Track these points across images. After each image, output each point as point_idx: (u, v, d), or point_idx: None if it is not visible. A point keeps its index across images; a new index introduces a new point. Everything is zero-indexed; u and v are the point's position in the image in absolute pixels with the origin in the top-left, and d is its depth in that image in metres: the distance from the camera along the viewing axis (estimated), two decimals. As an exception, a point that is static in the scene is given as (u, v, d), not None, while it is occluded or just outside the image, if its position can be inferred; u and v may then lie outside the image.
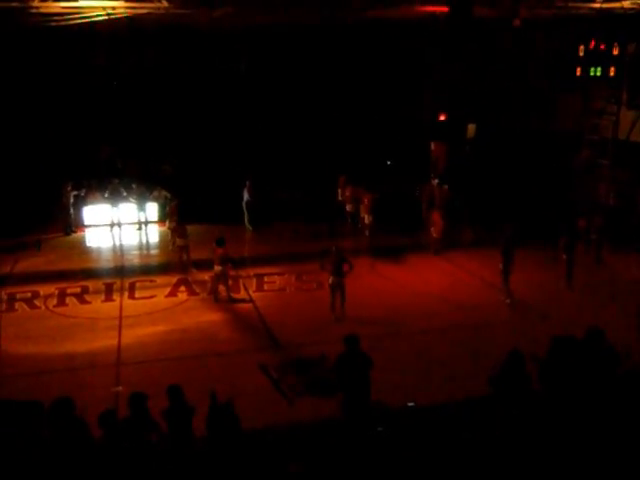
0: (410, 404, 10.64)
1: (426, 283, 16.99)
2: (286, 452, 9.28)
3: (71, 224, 21.61)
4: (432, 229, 19.12)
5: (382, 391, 10.85)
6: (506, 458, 8.73)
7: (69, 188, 21.57)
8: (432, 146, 23.99)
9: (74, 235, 21.47)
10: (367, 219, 20.12)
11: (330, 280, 14.52)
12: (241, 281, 16.95)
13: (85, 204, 22.12)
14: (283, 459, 8.95)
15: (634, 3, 17.41)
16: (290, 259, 18.63)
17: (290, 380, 11.73)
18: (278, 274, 17.75)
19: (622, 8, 17.88)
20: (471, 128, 25.12)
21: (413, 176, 22.85)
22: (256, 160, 23.34)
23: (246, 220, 21.56)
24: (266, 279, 17.42)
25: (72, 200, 21.61)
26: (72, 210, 21.64)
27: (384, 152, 25.27)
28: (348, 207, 21.49)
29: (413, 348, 13.03)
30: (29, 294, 16.32)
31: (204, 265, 16.70)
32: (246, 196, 21.45)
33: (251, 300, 15.78)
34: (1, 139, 22.34)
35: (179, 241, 18.06)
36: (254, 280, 17.25)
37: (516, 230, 16.15)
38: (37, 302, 15.96)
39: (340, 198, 21.96)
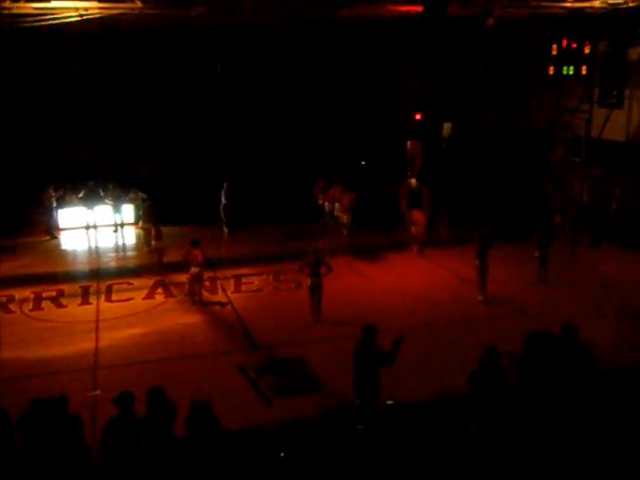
0: (389, 402, 10.69)
1: (404, 281, 17.08)
2: (267, 451, 9.31)
3: (54, 227, 21.46)
4: (413, 228, 19.24)
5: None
6: (486, 454, 8.82)
7: (51, 191, 21.41)
8: (408, 145, 24.08)
9: (51, 239, 21.28)
10: (345, 218, 20.17)
11: (309, 282, 14.54)
12: (219, 282, 16.91)
13: (60, 207, 21.95)
14: (264, 458, 8.97)
15: (604, 2, 17.66)
16: (268, 260, 18.61)
17: (268, 380, 11.73)
18: (256, 275, 17.73)
19: (592, 8, 18.12)
20: (447, 127, 25.29)
21: (389, 175, 22.96)
22: (233, 161, 23.30)
23: (223, 223, 21.48)
24: (244, 280, 17.39)
25: (54, 203, 21.47)
26: (55, 213, 21.50)
27: (360, 152, 25.35)
28: (327, 207, 21.55)
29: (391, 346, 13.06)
30: (4, 298, 16.14)
31: (181, 267, 16.62)
32: (223, 199, 21.37)
33: (229, 301, 15.75)
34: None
35: (155, 243, 17.96)
36: (232, 281, 17.21)
37: (492, 229, 16.30)
38: (12, 307, 15.80)
39: (321, 202, 21.95)
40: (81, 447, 8.28)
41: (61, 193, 21.86)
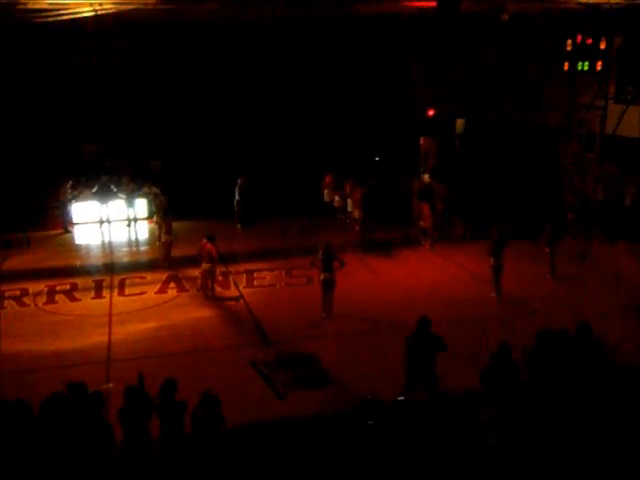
0: (400, 398, 10.69)
1: (417, 278, 17.03)
2: (277, 446, 9.35)
3: (68, 221, 21.63)
4: (422, 221, 19.27)
5: (372, 384, 10.95)
6: (497, 450, 8.81)
7: (68, 185, 21.56)
8: (421, 141, 24.02)
9: (66, 232, 21.40)
10: (357, 214, 20.16)
11: (321, 277, 14.54)
12: (231, 277, 16.94)
13: (77, 201, 22.07)
14: (274, 452, 9.02)
15: (620, -3, 17.50)
16: (280, 255, 18.61)
17: (281, 375, 11.76)
18: (268, 270, 17.76)
19: (608, 3, 17.94)
20: (460, 123, 25.19)
21: (402, 171, 22.90)
22: (247, 156, 23.31)
23: (237, 217, 21.52)
24: (256, 275, 17.43)
25: (71, 197, 21.63)
26: (70, 207, 21.68)
27: (373, 148, 25.29)
28: (336, 202, 21.55)
29: (403, 342, 13.04)
30: (18, 292, 16.26)
31: (193, 261, 16.66)
32: (237, 195, 21.42)
33: (241, 296, 15.79)
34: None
35: (164, 237, 18.03)
36: (244, 276, 17.24)
37: (506, 227, 16.24)
38: (26, 300, 15.91)
39: (328, 198, 21.94)
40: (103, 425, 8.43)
41: (78, 188, 22.00)
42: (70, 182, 21.76)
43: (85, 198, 22.13)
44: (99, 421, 8.38)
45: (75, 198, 21.86)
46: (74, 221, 21.90)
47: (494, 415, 8.84)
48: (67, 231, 21.46)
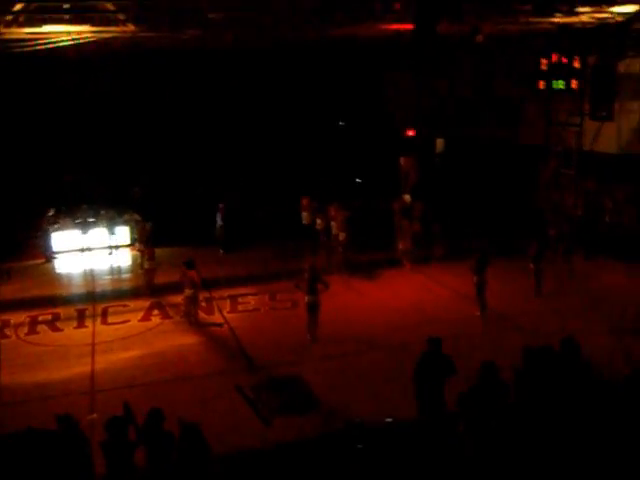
0: (388, 420, 10.64)
1: (401, 298, 17.06)
2: (265, 472, 9.24)
3: (50, 250, 21.45)
4: (401, 243, 19.34)
5: (359, 407, 10.89)
6: (485, 470, 8.77)
7: (50, 214, 21.40)
8: (401, 161, 24.17)
9: (44, 262, 21.19)
10: (341, 236, 20.16)
11: (306, 299, 14.50)
12: (215, 303, 16.86)
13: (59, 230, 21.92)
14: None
15: (592, 17, 17.83)
16: (264, 279, 18.57)
17: (267, 400, 11.67)
18: (252, 294, 17.69)
19: (581, 22, 18.30)
20: (440, 142, 25.42)
21: (384, 192, 22.99)
22: (227, 181, 23.33)
23: (219, 243, 21.43)
24: (240, 300, 17.34)
25: (52, 226, 21.51)
26: (51, 236, 21.53)
27: (354, 169, 25.42)
28: (318, 224, 21.52)
29: (390, 364, 13.02)
30: (-1, 323, 16.07)
31: (177, 288, 16.56)
32: (219, 221, 21.35)
33: (225, 321, 15.70)
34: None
35: (147, 264, 17.93)
36: (228, 301, 17.15)
37: (488, 244, 16.33)
38: (7, 331, 15.70)
39: (306, 221, 21.87)
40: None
41: (59, 217, 21.88)
42: (52, 211, 21.61)
43: (66, 227, 21.97)
44: (82, 456, 8.24)
45: (57, 228, 21.70)
46: (55, 250, 21.70)
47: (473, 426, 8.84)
48: (49, 260, 21.27)
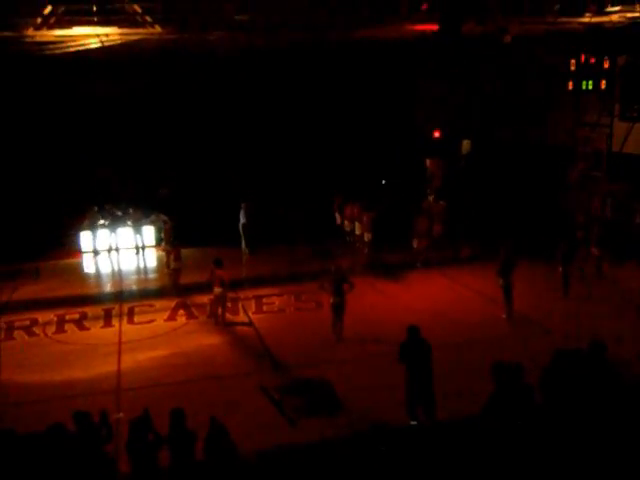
0: (412, 423, 10.58)
1: (426, 300, 16.95)
2: (289, 473, 9.24)
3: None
4: (416, 241, 19.26)
5: (384, 410, 10.85)
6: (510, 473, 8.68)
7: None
8: (427, 163, 24.06)
9: (72, 261, 21.43)
10: (366, 237, 20.14)
11: (331, 300, 14.49)
12: (240, 303, 16.91)
13: (89, 229, 22.16)
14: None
15: (622, 17, 17.60)
16: (289, 280, 18.59)
17: (292, 401, 11.67)
18: (277, 295, 17.71)
19: (611, 22, 18.07)
20: (466, 144, 25.24)
21: (409, 193, 22.90)
22: (253, 181, 23.38)
23: (243, 243, 21.50)
24: (265, 300, 17.37)
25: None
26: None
27: (380, 170, 25.34)
28: (346, 225, 21.51)
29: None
30: (27, 322, 16.26)
31: (202, 288, 16.64)
32: (242, 219, 21.43)
33: (250, 322, 15.74)
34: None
35: (173, 264, 18.05)
36: (253, 302, 17.19)
37: (514, 246, 16.16)
38: (36, 330, 15.91)
39: (338, 221, 21.95)
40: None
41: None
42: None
43: (95, 226, 22.20)
44: (100, 455, 8.30)
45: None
46: (84, 249, 21.94)
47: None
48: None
